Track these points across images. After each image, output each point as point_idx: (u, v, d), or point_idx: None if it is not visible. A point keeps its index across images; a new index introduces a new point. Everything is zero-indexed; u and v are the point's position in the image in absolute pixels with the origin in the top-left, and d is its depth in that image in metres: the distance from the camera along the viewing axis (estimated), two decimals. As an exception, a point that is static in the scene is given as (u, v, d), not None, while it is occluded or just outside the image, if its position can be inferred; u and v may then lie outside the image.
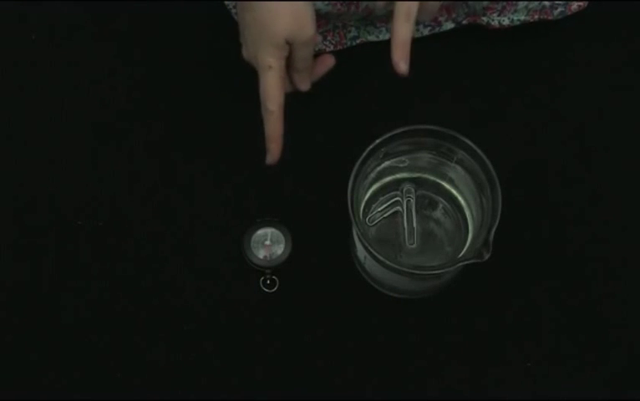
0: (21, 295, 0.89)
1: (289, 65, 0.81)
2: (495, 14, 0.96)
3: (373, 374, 0.86)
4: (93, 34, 1.02)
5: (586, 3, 0.97)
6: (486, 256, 0.76)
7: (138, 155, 0.96)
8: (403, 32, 0.76)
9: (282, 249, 0.89)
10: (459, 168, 0.83)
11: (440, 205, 0.85)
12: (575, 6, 0.96)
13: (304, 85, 0.83)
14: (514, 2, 0.95)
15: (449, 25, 0.98)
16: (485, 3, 0.94)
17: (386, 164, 0.83)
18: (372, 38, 0.99)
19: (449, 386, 0.85)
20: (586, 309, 0.88)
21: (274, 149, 0.82)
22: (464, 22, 0.98)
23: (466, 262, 0.77)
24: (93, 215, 0.93)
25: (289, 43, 0.78)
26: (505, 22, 0.96)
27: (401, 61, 0.76)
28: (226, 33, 1.00)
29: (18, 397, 0.85)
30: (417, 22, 0.97)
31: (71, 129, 0.97)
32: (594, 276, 0.90)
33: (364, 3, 0.91)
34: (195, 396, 0.85)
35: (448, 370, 0.86)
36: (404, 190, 0.84)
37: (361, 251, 0.83)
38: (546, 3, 0.94)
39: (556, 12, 0.95)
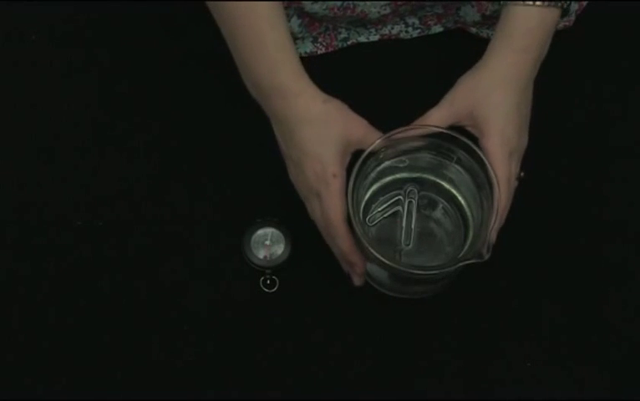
0: (21, 295, 0.89)
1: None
2: (483, 28, 0.97)
3: (373, 374, 0.86)
4: (93, 34, 1.02)
5: (572, 21, 0.98)
6: (486, 256, 0.76)
7: (138, 155, 0.96)
8: (505, 207, 0.78)
9: (282, 249, 0.89)
10: (458, 168, 0.83)
11: (440, 205, 0.85)
12: (561, 25, 0.98)
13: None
14: None
15: (438, 28, 0.99)
16: (476, 18, 0.95)
17: (386, 164, 0.83)
18: (362, 38, 0.99)
19: (449, 386, 0.85)
20: (586, 309, 0.88)
21: (358, 266, 0.80)
22: (453, 27, 0.99)
23: (466, 262, 0.77)
24: (93, 215, 0.93)
25: (351, 147, 0.78)
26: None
27: (495, 232, 0.77)
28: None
29: (18, 397, 0.85)
30: (411, 23, 0.98)
31: (71, 129, 0.97)
32: (594, 276, 0.90)
33: (360, 7, 0.92)
34: (194, 396, 0.85)
35: (448, 370, 0.86)
36: (408, 191, 0.84)
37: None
38: None
39: None
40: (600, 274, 0.90)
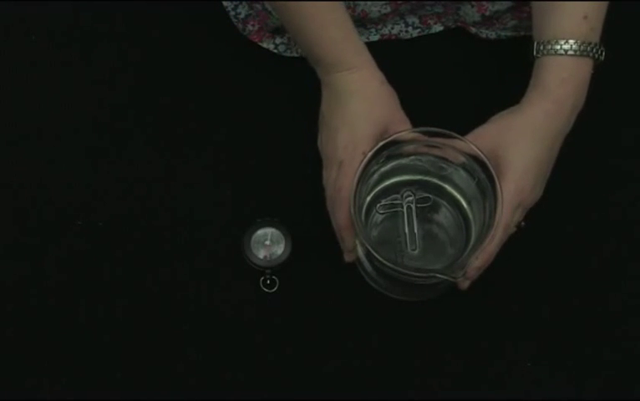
0: (21, 295, 0.89)
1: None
2: (483, 28, 0.98)
3: (373, 374, 0.86)
4: (93, 34, 1.02)
5: None
6: (465, 286, 0.76)
7: (138, 155, 0.96)
8: (494, 250, 0.78)
9: (282, 249, 0.89)
10: (460, 170, 0.83)
11: (442, 207, 0.85)
12: None
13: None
14: (503, 21, 0.96)
15: (438, 27, 0.99)
16: (476, 18, 0.95)
17: (388, 166, 0.83)
18: (362, 38, 0.99)
19: (449, 386, 0.85)
20: (586, 309, 0.88)
21: (347, 242, 0.82)
22: (453, 26, 0.99)
23: (442, 278, 0.77)
24: (93, 215, 0.93)
25: (386, 135, 0.80)
26: (492, 36, 0.98)
27: (475, 271, 0.78)
28: (226, 33, 1.00)
29: (18, 397, 0.85)
30: (411, 23, 0.98)
31: (71, 129, 0.97)
32: (594, 276, 0.90)
33: (361, 6, 0.92)
34: (195, 396, 0.85)
35: (448, 370, 0.86)
36: (404, 195, 0.84)
37: (361, 252, 0.83)
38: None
39: None
40: (600, 274, 0.90)
